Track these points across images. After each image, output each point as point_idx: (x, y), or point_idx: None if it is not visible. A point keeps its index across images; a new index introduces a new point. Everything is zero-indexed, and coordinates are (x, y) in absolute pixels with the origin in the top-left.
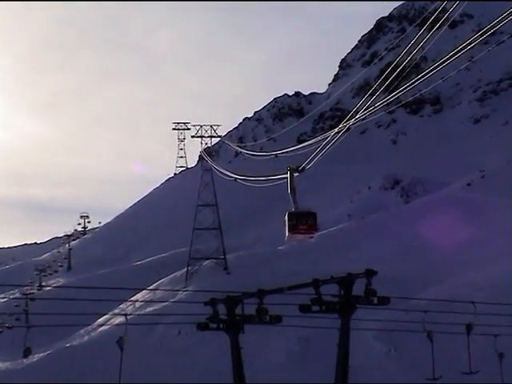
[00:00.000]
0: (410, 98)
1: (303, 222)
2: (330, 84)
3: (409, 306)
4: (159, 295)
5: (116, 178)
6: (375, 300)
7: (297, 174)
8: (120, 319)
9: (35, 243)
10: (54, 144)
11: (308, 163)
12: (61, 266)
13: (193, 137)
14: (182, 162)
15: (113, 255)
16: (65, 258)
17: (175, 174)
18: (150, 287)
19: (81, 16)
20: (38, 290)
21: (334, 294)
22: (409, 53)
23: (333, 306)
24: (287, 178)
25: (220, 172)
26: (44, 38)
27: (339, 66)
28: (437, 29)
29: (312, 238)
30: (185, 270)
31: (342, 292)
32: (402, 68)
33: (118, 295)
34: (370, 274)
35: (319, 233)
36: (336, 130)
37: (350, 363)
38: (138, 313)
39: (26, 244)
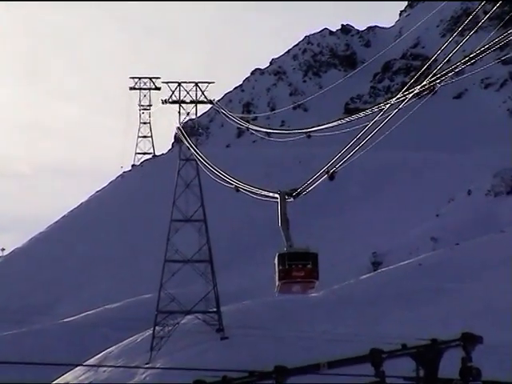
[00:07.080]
0: None
1: (299, 266)
2: (401, 13)
3: None
4: (105, 375)
5: (28, 168)
6: None
7: (290, 199)
8: None
9: None
10: None
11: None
12: None
13: (165, 102)
14: (145, 146)
15: (27, 305)
16: None
17: (134, 165)
18: (90, 361)
19: None
20: None
21: (407, 377)
22: None
23: None
24: (278, 205)
25: (210, 166)
26: None
27: None
28: None
29: (313, 288)
30: (150, 331)
31: (422, 371)
32: None
33: (35, 374)
34: (469, 340)
35: (380, 270)
36: (411, 91)
37: None
38: None
39: None
